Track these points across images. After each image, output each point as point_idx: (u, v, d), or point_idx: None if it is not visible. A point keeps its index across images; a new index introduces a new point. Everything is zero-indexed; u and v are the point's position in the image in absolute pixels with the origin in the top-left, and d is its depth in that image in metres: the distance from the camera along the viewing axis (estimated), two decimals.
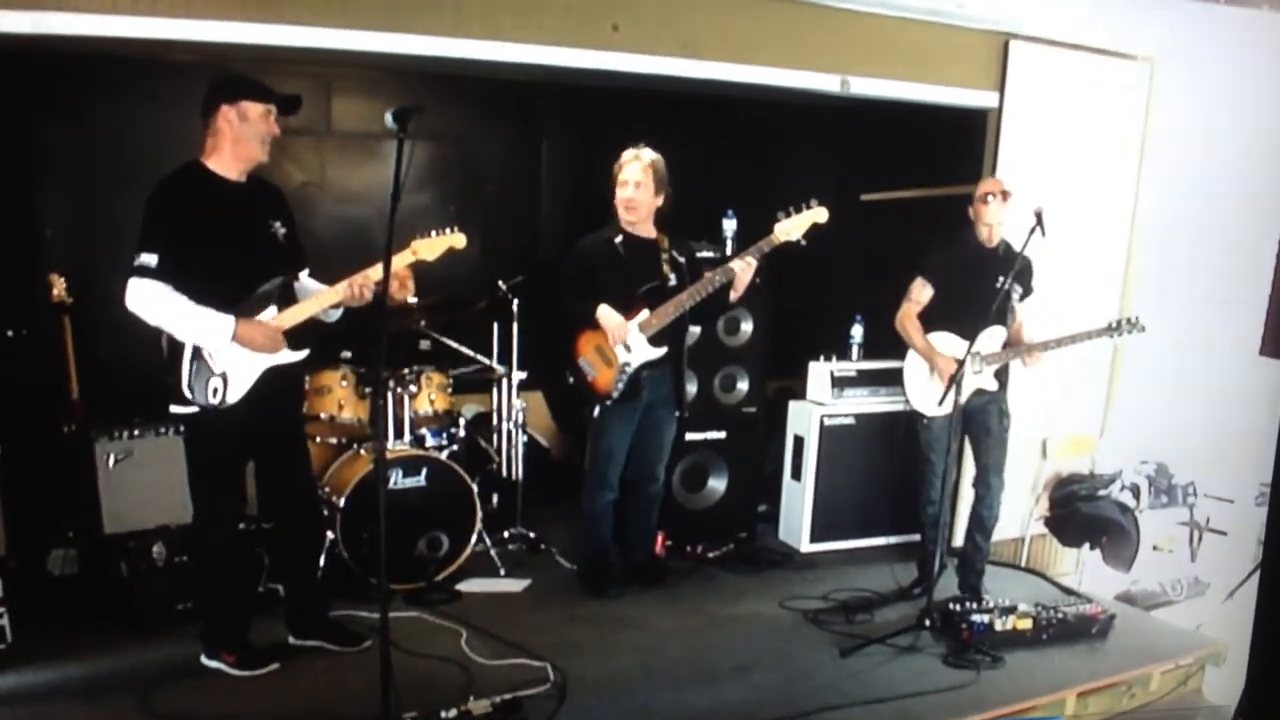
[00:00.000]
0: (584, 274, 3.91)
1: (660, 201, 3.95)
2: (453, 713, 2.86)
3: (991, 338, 3.96)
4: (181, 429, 3.24)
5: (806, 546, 4.84)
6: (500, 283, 4.59)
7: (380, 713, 2.59)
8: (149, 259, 2.91)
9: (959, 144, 4.86)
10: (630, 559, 4.29)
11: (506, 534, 4.65)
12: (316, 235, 4.53)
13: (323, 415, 4.13)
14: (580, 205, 5.22)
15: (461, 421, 4.60)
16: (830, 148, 5.91)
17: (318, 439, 4.28)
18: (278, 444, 3.30)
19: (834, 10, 4.31)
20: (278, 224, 3.21)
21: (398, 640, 3.27)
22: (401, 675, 2.69)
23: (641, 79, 4.13)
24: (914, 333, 4.06)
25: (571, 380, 3.94)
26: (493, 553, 4.38)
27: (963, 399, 3.84)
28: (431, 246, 3.16)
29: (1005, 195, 3.93)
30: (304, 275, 3.34)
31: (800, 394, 4.96)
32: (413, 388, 4.26)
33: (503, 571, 4.29)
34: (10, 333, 4.10)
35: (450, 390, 4.48)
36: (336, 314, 3.28)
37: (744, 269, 3.75)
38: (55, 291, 3.95)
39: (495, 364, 4.72)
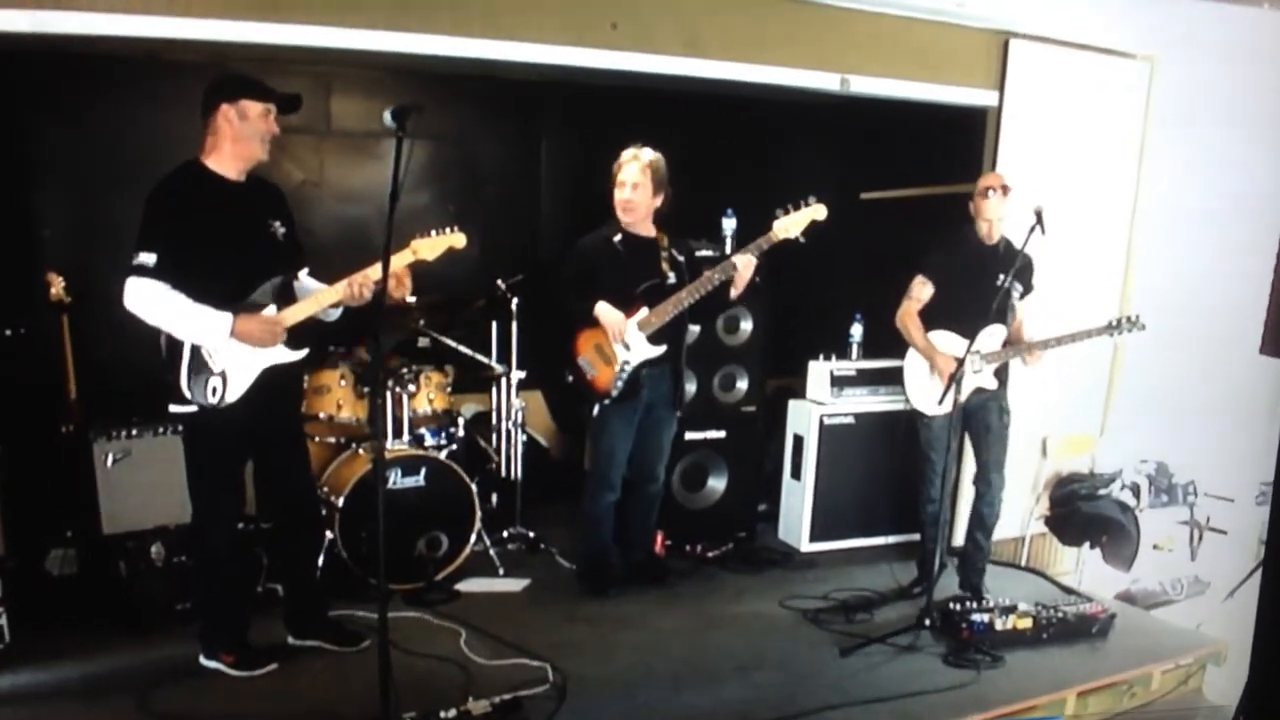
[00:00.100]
0: (583, 273, 3.91)
1: (659, 203, 3.94)
2: (452, 713, 2.85)
3: (991, 336, 3.95)
4: (180, 428, 3.24)
5: (806, 546, 4.83)
6: (499, 282, 4.59)
7: (379, 713, 2.59)
8: (147, 258, 2.91)
9: (959, 143, 4.86)
10: (630, 559, 4.28)
11: (506, 534, 4.65)
12: (316, 234, 4.53)
13: (321, 414, 4.12)
14: (580, 204, 5.22)
15: (460, 421, 4.60)
16: (830, 146, 5.90)
17: (316, 438, 4.28)
18: (276, 443, 3.29)
19: (834, 9, 4.31)
20: (277, 223, 3.21)
21: (397, 640, 3.26)
22: (400, 675, 2.69)
23: (641, 78, 4.13)
24: (914, 330, 4.06)
25: (571, 379, 3.94)
26: (492, 552, 4.38)
27: (962, 397, 3.84)
28: (432, 246, 3.16)
29: (1005, 190, 3.93)
30: (303, 274, 3.33)
31: (800, 393, 4.95)
32: (411, 387, 4.25)
33: (502, 571, 4.29)
34: (9, 332, 4.09)
35: (449, 389, 4.48)
36: (336, 313, 3.27)
37: (745, 266, 3.75)
38: (54, 291, 3.94)
39: (494, 363, 4.71)
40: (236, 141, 3.03)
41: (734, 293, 3.87)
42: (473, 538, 4.19)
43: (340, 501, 3.90)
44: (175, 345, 3.02)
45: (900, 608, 4.08)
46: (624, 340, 3.84)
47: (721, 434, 4.76)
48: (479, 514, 4.19)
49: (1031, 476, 4.97)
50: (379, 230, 2.89)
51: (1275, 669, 2.54)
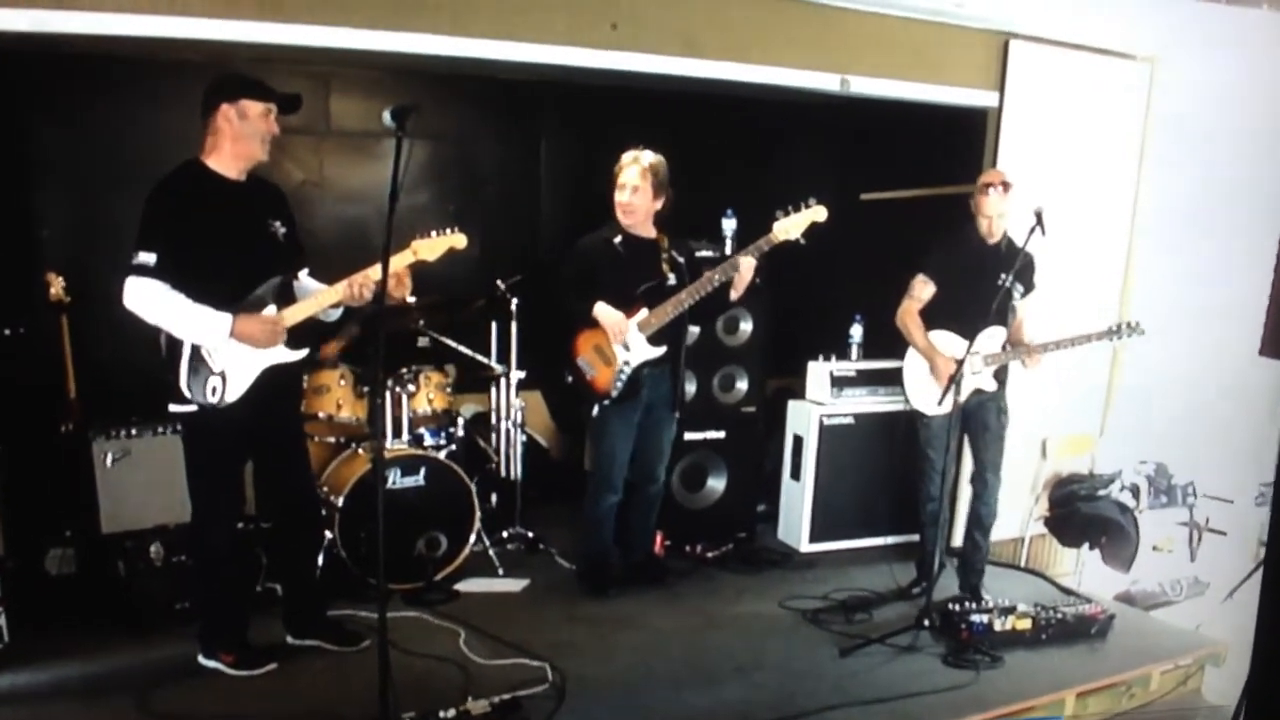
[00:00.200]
0: (583, 273, 3.91)
1: (660, 205, 3.94)
2: (451, 713, 2.85)
3: (991, 338, 3.95)
4: (180, 428, 3.24)
5: (806, 546, 4.83)
6: (499, 282, 4.59)
7: (378, 713, 2.59)
8: (147, 257, 2.91)
9: (959, 143, 4.86)
10: (630, 559, 4.28)
11: (505, 534, 4.65)
12: (316, 234, 4.52)
13: (321, 414, 4.12)
14: (580, 205, 5.22)
15: (460, 421, 4.60)
16: (830, 147, 5.90)
17: (316, 438, 4.28)
18: (276, 443, 3.29)
19: (834, 9, 4.31)
20: (277, 223, 3.21)
21: (396, 640, 3.26)
22: (400, 675, 2.69)
23: (641, 78, 4.13)
24: (915, 330, 4.06)
25: (570, 379, 3.93)
26: (491, 552, 4.38)
27: (962, 398, 3.85)
28: (432, 247, 3.15)
29: (1006, 186, 3.93)
30: (303, 274, 3.33)
31: (799, 393, 4.95)
32: (411, 387, 4.25)
33: (501, 571, 4.29)
34: (8, 332, 4.09)
35: (449, 389, 4.48)
36: (336, 313, 3.28)
37: (745, 267, 3.75)
38: (53, 291, 3.94)
39: (494, 363, 4.71)
40: (236, 141, 3.03)
41: (734, 294, 3.87)
42: (472, 538, 4.18)
43: (340, 501, 3.90)
44: (175, 345, 3.03)
45: (899, 608, 4.08)
46: (624, 341, 3.84)
47: (721, 434, 4.76)
48: (478, 514, 4.18)
49: (1031, 477, 4.97)
50: (379, 230, 2.89)
51: (1275, 670, 2.54)
